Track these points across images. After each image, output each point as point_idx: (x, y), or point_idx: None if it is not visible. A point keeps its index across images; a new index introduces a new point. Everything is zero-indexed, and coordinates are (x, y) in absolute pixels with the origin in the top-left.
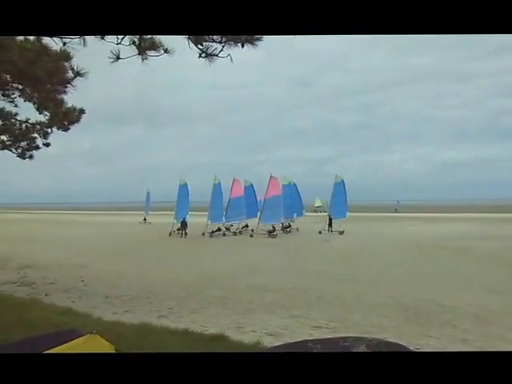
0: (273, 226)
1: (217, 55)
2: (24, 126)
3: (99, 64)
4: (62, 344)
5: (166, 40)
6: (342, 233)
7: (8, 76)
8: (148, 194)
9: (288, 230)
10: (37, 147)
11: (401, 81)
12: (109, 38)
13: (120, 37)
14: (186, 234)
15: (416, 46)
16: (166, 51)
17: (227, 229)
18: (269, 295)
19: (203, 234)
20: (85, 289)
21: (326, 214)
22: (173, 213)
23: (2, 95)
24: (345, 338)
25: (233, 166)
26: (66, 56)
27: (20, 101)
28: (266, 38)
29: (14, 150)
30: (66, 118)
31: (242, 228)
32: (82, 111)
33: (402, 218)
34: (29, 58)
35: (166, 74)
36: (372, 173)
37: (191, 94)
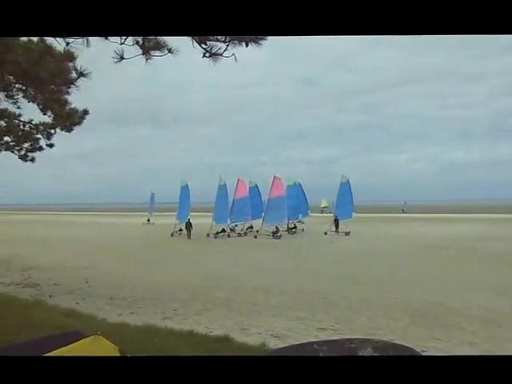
0: (276, 227)
1: (221, 55)
2: (27, 126)
3: (103, 64)
4: (66, 345)
5: (170, 40)
6: (347, 234)
7: (12, 77)
8: (152, 195)
9: (293, 230)
10: (40, 148)
11: (407, 80)
12: (112, 38)
13: (124, 37)
14: (190, 235)
15: (423, 44)
16: (169, 51)
17: (232, 230)
18: (274, 297)
19: (208, 235)
20: (89, 290)
21: (332, 214)
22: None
23: (6, 96)
24: (351, 340)
25: (237, 166)
26: (69, 56)
27: (23, 102)
28: (271, 37)
29: (17, 152)
30: (70, 119)
31: (247, 229)
32: (85, 112)
33: (408, 219)
34: (32, 59)
35: (169, 74)
36: (378, 173)
37: (195, 94)
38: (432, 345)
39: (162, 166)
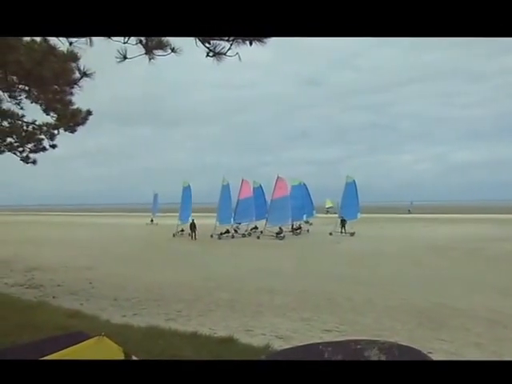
0: (280, 228)
1: (225, 54)
2: (31, 127)
3: (106, 64)
4: (70, 346)
5: (173, 39)
6: (352, 234)
7: (15, 77)
8: (155, 195)
9: (298, 231)
10: (44, 149)
11: (412, 79)
12: (115, 37)
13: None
14: (195, 235)
15: (428, 43)
16: (173, 50)
17: (235, 231)
18: (278, 298)
19: (211, 236)
20: (92, 291)
21: (336, 215)
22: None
23: (9, 97)
24: (356, 341)
25: (240, 166)
26: (72, 56)
27: (27, 102)
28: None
29: (19, 154)
30: (73, 120)
31: (251, 230)
32: (89, 112)
33: (414, 220)
34: (35, 59)
35: (173, 74)
36: (383, 173)
37: (198, 93)
38: (438, 346)
39: (164, 166)
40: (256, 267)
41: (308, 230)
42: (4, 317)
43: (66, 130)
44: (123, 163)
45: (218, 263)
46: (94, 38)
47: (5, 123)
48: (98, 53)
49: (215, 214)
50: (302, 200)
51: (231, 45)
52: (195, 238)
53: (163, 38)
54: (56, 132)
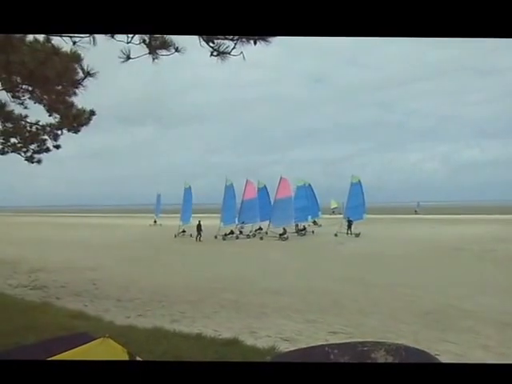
0: (284, 229)
1: (229, 53)
2: (34, 128)
3: (109, 64)
4: (74, 347)
5: (177, 38)
6: (358, 235)
7: (18, 78)
8: (158, 196)
9: (303, 232)
10: (47, 149)
11: (420, 76)
12: (119, 37)
13: (130, 36)
14: (200, 236)
15: (436, 39)
16: (176, 50)
17: (240, 232)
18: (283, 299)
19: (216, 237)
20: (96, 292)
21: (342, 216)
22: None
23: (13, 97)
24: (363, 343)
25: (245, 166)
26: (76, 56)
27: (30, 103)
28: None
29: (23, 154)
30: (77, 121)
31: (256, 231)
32: (92, 112)
33: (421, 220)
34: (38, 59)
35: (176, 73)
36: (390, 172)
37: (202, 93)
38: (445, 348)
39: (168, 166)
40: (261, 268)
41: (313, 231)
42: (8, 318)
43: (69, 131)
44: (125, 163)
45: (223, 264)
46: (97, 38)
47: (8, 124)
48: (101, 53)
49: (221, 215)
50: (307, 201)
51: (235, 44)
52: (199, 240)
53: (167, 38)
54: (59, 132)
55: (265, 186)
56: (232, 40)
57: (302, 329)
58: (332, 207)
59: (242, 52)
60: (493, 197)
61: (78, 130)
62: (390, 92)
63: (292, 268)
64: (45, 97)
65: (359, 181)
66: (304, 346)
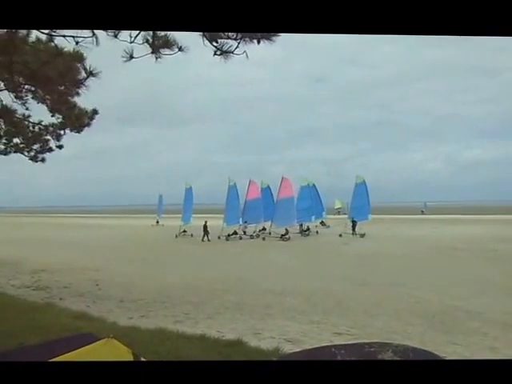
0: (286, 229)
1: (232, 52)
2: (37, 128)
3: (110, 63)
4: (78, 348)
5: (180, 37)
6: (362, 236)
7: (21, 78)
8: (160, 196)
9: (306, 233)
10: (50, 149)
11: (422, 75)
12: (122, 36)
13: (133, 35)
14: (207, 237)
15: (437, 38)
16: (180, 49)
17: (244, 232)
18: (287, 300)
19: (219, 238)
20: (99, 293)
21: (346, 216)
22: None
23: (15, 97)
24: (370, 344)
25: (247, 166)
26: (78, 56)
27: (33, 103)
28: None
29: (26, 154)
30: (79, 121)
31: (260, 231)
32: (95, 112)
33: (426, 221)
34: (41, 59)
35: (178, 73)
36: (393, 172)
37: (203, 92)
38: (452, 350)
39: (170, 166)
40: (264, 269)
41: (317, 232)
42: (11, 319)
43: (72, 131)
44: (127, 163)
45: (226, 265)
46: (101, 39)
47: (11, 124)
48: (103, 52)
49: (224, 215)
50: (311, 201)
51: (238, 43)
52: (208, 240)
53: (170, 37)
54: (62, 132)
55: (268, 186)
56: (235, 39)
57: (306, 330)
58: (336, 207)
59: (245, 51)
60: (495, 197)
61: (81, 130)
62: (392, 91)
63: (296, 269)
64: (47, 97)
65: (364, 181)
66: (308, 347)
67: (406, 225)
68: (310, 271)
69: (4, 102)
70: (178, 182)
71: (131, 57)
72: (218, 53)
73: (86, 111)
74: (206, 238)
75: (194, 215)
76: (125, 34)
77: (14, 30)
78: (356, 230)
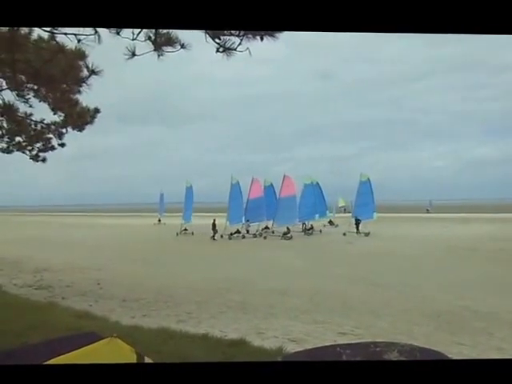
0: (287, 228)
1: (235, 49)
2: (39, 126)
3: (114, 62)
4: (81, 347)
5: (182, 35)
6: (367, 234)
7: (23, 76)
8: (162, 195)
9: (310, 231)
10: (52, 148)
11: (428, 73)
12: (124, 34)
13: (135, 33)
14: (215, 235)
15: (444, 35)
16: (182, 46)
17: (247, 231)
18: (290, 300)
19: (221, 236)
20: (101, 292)
21: (350, 214)
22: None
23: (17, 95)
24: (375, 343)
25: (251, 164)
26: (81, 54)
27: (35, 101)
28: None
29: (28, 152)
30: (81, 119)
31: (262, 230)
32: (97, 110)
33: (433, 219)
34: (43, 57)
35: (181, 70)
36: (399, 170)
37: (206, 90)
38: (458, 350)
39: (172, 164)
40: (267, 268)
41: (321, 231)
42: (14, 318)
43: (74, 129)
44: (129, 162)
45: (229, 264)
46: (103, 36)
47: (13, 122)
48: (106, 50)
49: (227, 214)
50: (315, 199)
51: (241, 40)
52: (214, 238)
53: (172, 35)
54: (64, 131)
55: (271, 185)
56: (238, 36)
57: (309, 330)
58: (340, 206)
59: (248, 48)
60: (504, 195)
61: (83, 129)
62: (399, 88)
63: (299, 268)
64: (49, 95)
65: (368, 179)
66: (312, 346)
67: (412, 223)
68: (313, 271)
69: (6, 100)
70: (179, 180)
71: (133, 54)
72: (221, 50)
73: (88, 109)
74: (214, 236)
75: (193, 214)
76: (127, 32)
77: (16, 28)
78: (360, 228)
